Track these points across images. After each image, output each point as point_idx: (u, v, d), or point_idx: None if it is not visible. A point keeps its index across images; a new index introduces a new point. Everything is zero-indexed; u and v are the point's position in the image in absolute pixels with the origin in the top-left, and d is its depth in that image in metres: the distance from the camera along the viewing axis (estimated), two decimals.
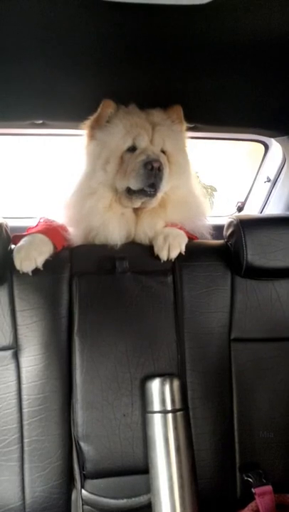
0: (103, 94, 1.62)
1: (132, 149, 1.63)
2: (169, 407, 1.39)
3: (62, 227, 1.69)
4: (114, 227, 1.63)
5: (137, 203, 1.66)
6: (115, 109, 1.67)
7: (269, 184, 2.51)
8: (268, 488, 1.42)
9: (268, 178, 2.52)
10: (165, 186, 1.63)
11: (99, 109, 1.65)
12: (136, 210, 1.69)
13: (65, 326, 1.52)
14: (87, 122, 1.69)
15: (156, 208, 1.69)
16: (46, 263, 1.53)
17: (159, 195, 1.65)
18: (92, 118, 1.68)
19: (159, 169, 1.57)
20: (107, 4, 1.03)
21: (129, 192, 1.63)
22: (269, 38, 1.26)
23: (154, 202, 1.67)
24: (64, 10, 1.10)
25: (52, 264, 1.54)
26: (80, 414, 1.45)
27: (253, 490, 1.42)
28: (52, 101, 1.74)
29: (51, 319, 1.51)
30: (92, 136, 1.68)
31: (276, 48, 1.32)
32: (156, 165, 1.56)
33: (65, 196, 1.73)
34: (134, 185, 1.59)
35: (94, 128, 1.67)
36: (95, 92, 1.64)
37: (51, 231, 1.63)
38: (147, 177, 1.56)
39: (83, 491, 1.45)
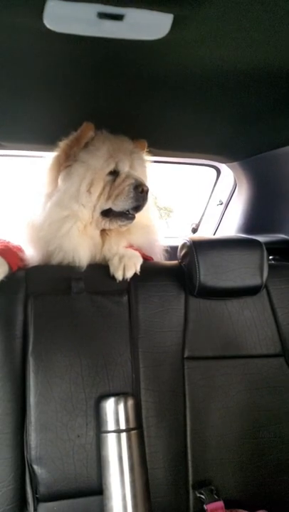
0: (62, 119, 1.66)
1: (113, 173, 1.68)
2: (123, 427, 1.40)
3: (18, 248, 1.69)
4: (85, 251, 1.65)
5: (115, 225, 1.70)
6: (94, 133, 1.70)
7: (221, 207, 2.59)
8: (220, 504, 1.44)
9: (220, 201, 2.61)
10: None
11: (79, 131, 1.67)
12: (103, 233, 1.73)
13: (19, 347, 1.50)
14: (64, 142, 1.70)
15: (121, 231, 1.74)
16: (1, 284, 1.52)
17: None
18: (70, 138, 1.69)
19: (146, 192, 1.65)
20: (59, 35, 1.06)
21: (108, 214, 1.67)
22: (219, 69, 1.32)
23: (130, 224, 1.72)
24: (18, 38, 1.12)
25: (7, 285, 1.54)
26: (33, 437, 1.43)
27: (204, 507, 1.44)
28: (10, 124, 1.75)
29: (5, 340, 1.50)
30: (69, 156, 1.69)
31: (226, 78, 1.38)
32: (145, 188, 1.65)
33: (30, 217, 1.72)
34: (120, 207, 1.65)
35: (73, 148, 1.68)
36: (54, 117, 1.67)
37: (6, 251, 1.62)
38: (136, 199, 1.64)
39: None
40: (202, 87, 1.44)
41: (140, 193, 1.64)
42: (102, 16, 0.97)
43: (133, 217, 1.70)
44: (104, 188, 1.68)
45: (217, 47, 1.17)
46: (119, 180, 1.67)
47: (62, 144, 1.71)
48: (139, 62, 1.26)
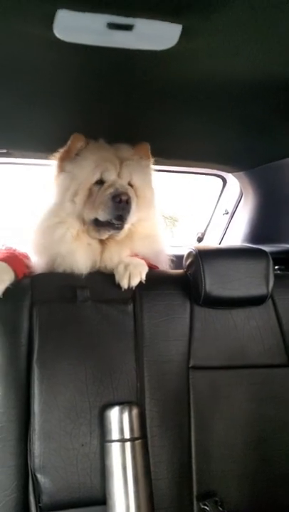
0: (70, 128, 1.66)
1: (100, 182, 1.67)
2: (127, 436, 1.39)
3: (24, 255, 1.70)
4: (81, 256, 1.65)
5: (104, 235, 1.69)
6: (85, 143, 1.71)
7: (227, 216, 2.59)
8: None
9: (226, 210, 2.61)
10: (132, 219, 1.68)
11: (69, 143, 1.70)
12: (102, 241, 1.72)
13: (24, 354, 1.50)
14: (57, 154, 1.73)
15: (123, 239, 1.73)
16: (7, 291, 1.52)
17: (126, 227, 1.69)
18: (62, 151, 1.72)
19: (127, 202, 1.61)
20: (68, 45, 1.07)
21: (97, 224, 1.67)
22: (226, 80, 1.32)
23: (121, 234, 1.71)
24: (28, 48, 1.14)
25: (12, 292, 1.54)
26: (37, 445, 1.43)
27: None
28: (17, 132, 1.77)
29: (10, 347, 1.50)
30: (61, 168, 1.72)
31: (233, 89, 1.39)
32: (124, 198, 1.60)
33: (32, 224, 1.74)
34: (103, 216, 1.63)
35: (63, 160, 1.72)
36: (62, 126, 1.68)
37: (12, 259, 1.63)
38: (115, 209, 1.60)
39: None
40: (209, 97, 1.45)
41: (119, 203, 1.60)
42: (112, 26, 0.98)
43: (120, 227, 1.67)
44: (89, 198, 1.67)
45: (225, 57, 1.18)
46: (102, 189, 1.66)
47: (55, 157, 1.74)
48: (147, 72, 1.27)
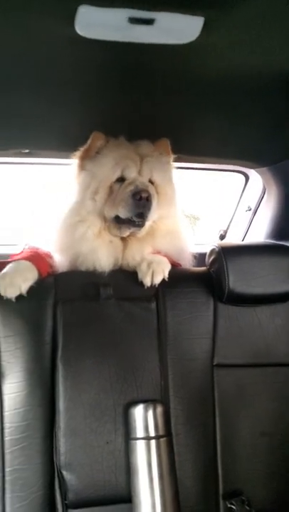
0: (91, 126, 1.67)
1: (121, 180, 1.67)
2: (152, 434, 1.39)
3: (47, 254, 1.71)
4: (103, 254, 1.65)
5: (125, 233, 1.69)
6: (105, 141, 1.72)
7: (250, 213, 2.56)
8: None
9: (248, 207, 2.58)
10: (153, 216, 1.67)
11: (89, 141, 1.70)
12: (123, 238, 1.72)
13: (48, 352, 1.51)
14: (78, 153, 1.73)
15: (144, 236, 1.73)
16: (30, 289, 1.53)
17: (147, 224, 1.69)
18: (82, 149, 1.73)
19: (148, 199, 1.61)
20: (89, 41, 1.07)
21: (118, 221, 1.67)
22: (249, 73, 1.31)
23: (142, 231, 1.71)
24: (50, 45, 1.14)
25: (36, 291, 1.55)
26: (62, 442, 1.44)
27: None
28: (39, 131, 1.78)
29: (35, 346, 1.51)
30: (82, 167, 1.73)
31: (256, 82, 1.37)
32: (144, 195, 1.60)
33: (54, 223, 1.75)
34: (123, 214, 1.63)
35: (84, 159, 1.72)
36: (82, 124, 1.68)
37: (36, 258, 1.64)
38: (136, 206, 1.60)
39: None
40: (230, 91, 1.44)
41: (139, 200, 1.60)
42: (133, 20, 0.98)
43: (141, 225, 1.67)
44: (110, 196, 1.68)
45: (248, 50, 1.16)
46: (122, 187, 1.66)
47: (75, 156, 1.74)
48: (167, 67, 1.26)
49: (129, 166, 1.67)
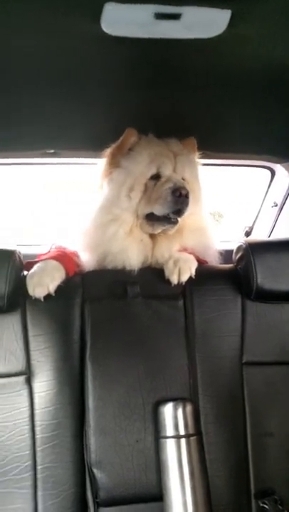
0: (117, 124, 1.67)
1: (156, 177, 1.68)
2: (182, 432, 1.38)
3: (74, 253, 1.72)
4: (134, 253, 1.66)
5: (158, 230, 1.70)
6: (138, 138, 1.73)
7: (276, 209, 2.53)
8: None
9: (274, 202, 2.55)
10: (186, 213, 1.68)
11: (122, 138, 1.70)
12: (153, 236, 1.72)
13: (77, 351, 1.52)
14: (109, 150, 1.74)
15: (173, 234, 1.73)
16: (58, 289, 1.54)
17: (180, 221, 1.69)
18: (114, 146, 1.73)
19: (186, 196, 1.62)
20: (116, 39, 1.07)
21: (151, 218, 1.67)
22: (277, 65, 1.29)
23: (175, 228, 1.71)
24: (76, 44, 1.15)
25: (64, 290, 1.56)
26: (92, 440, 1.44)
27: None
28: (64, 131, 1.79)
29: (63, 344, 1.52)
30: (115, 164, 1.73)
31: (284, 74, 1.36)
32: (184, 192, 1.61)
33: (82, 222, 1.76)
34: (160, 211, 1.64)
35: (116, 156, 1.72)
36: (108, 122, 1.69)
37: (63, 257, 1.65)
38: (174, 203, 1.61)
39: None
40: (256, 84, 1.42)
41: (178, 197, 1.61)
42: (159, 16, 0.97)
43: (176, 222, 1.68)
44: (145, 193, 1.68)
45: (275, 42, 1.15)
46: (159, 184, 1.67)
47: (106, 152, 1.74)
48: (195, 62, 1.25)
49: (164, 163, 1.68)
